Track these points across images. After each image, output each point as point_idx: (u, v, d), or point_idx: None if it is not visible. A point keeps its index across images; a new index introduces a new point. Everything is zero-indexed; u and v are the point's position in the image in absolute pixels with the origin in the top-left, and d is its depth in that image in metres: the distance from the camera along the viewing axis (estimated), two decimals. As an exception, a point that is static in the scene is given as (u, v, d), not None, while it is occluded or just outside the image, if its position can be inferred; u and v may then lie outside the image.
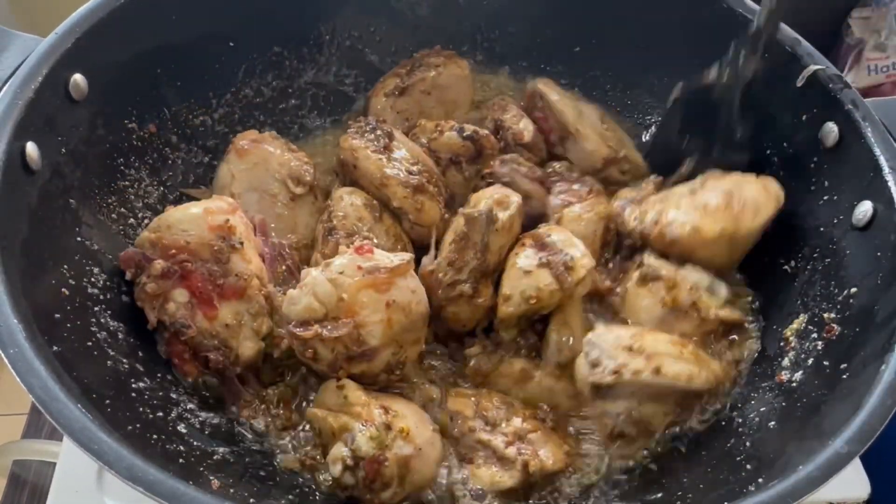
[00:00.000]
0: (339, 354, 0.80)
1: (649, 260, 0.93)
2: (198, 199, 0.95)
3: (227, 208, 0.88)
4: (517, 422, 0.85)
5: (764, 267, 0.96)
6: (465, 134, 1.01)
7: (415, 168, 0.97)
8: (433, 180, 0.98)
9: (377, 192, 0.97)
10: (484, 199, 0.93)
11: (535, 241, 0.91)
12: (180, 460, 0.72)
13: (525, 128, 1.06)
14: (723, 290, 0.92)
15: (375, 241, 0.92)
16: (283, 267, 0.93)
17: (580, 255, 0.89)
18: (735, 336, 0.92)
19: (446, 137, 1.02)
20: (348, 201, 0.95)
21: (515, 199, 0.93)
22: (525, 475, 0.81)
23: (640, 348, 0.84)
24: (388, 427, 0.78)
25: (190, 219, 0.85)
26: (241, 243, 0.86)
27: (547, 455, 0.83)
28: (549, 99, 1.07)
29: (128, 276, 0.83)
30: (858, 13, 1.41)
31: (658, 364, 0.82)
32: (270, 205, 0.97)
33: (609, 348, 0.84)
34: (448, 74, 1.09)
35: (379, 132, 0.98)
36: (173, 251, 0.83)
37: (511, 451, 0.82)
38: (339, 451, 0.77)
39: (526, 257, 0.90)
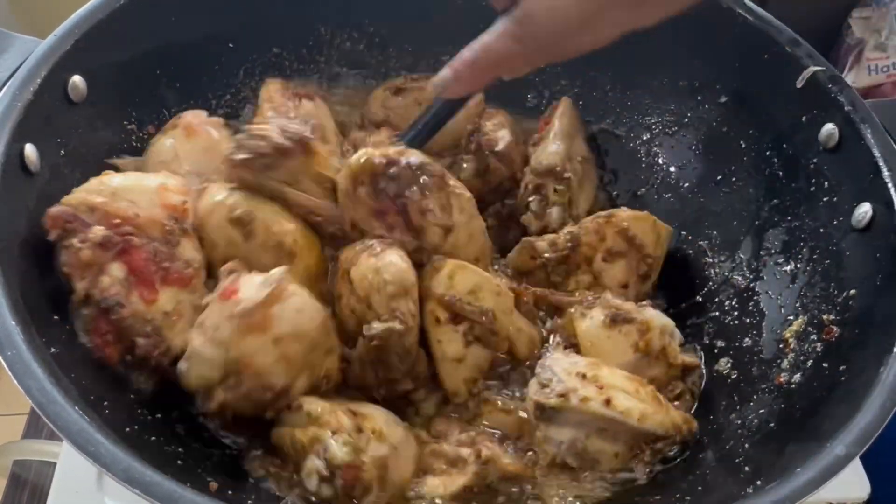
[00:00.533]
0: (256, 403, 0.76)
1: (614, 301, 0.89)
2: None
3: (183, 189, 0.81)
4: (472, 434, 0.82)
5: (763, 268, 0.96)
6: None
7: (301, 122, 0.92)
8: (322, 138, 0.95)
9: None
10: (375, 308, 0.79)
11: (446, 309, 0.82)
12: (178, 462, 0.72)
13: (501, 137, 1.04)
14: (678, 334, 0.91)
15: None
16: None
17: (494, 304, 0.83)
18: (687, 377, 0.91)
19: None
20: (213, 223, 0.82)
21: (399, 268, 0.80)
22: (480, 467, 0.77)
23: (595, 378, 0.80)
24: (360, 430, 0.75)
25: (141, 190, 0.78)
26: (195, 229, 0.80)
27: (505, 456, 0.79)
28: (558, 108, 1.08)
29: (51, 236, 0.75)
30: (858, 13, 1.41)
31: (610, 396, 0.79)
32: None
33: (561, 372, 0.81)
34: None
35: (300, 88, 0.99)
36: (117, 221, 0.76)
37: (464, 451, 0.79)
38: (313, 463, 0.73)
39: (450, 343, 0.83)
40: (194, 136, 0.91)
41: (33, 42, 0.83)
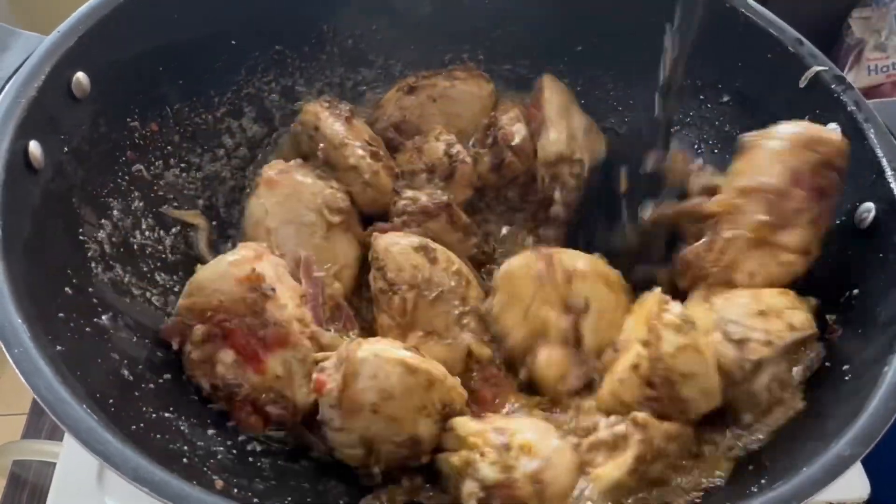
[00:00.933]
0: (405, 459, 0.79)
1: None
2: (184, 221, 0.97)
3: (252, 256, 0.85)
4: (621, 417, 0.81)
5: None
6: (450, 151, 1.01)
7: (371, 141, 1.01)
8: (387, 158, 1.02)
9: (334, 152, 0.98)
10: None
11: (647, 361, 0.80)
12: (184, 459, 0.72)
13: (517, 131, 1.05)
14: None
15: (437, 289, 0.88)
16: (330, 303, 0.91)
17: (695, 397, 0.80)
18: None
19: (432, 146, 1.02)
20: (398, 251, 0.89)
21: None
22: (642, 433, 0.76)
23: (769, 309, 0.82)
24: (508, 447, 0.74)
25: (218, 276, 0.83)
26: (273, 289, 0.83)
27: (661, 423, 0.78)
28: (543, 88, 1.09)
29: (174, 346, 0.82)
30: (858, 13, 1.41)
31: (790, 320, 0.82)
32: (308, 237, 0.94)
33: (743, 319, 0.82)
34: (462, 90, 1.09)
35: (342, 106, 1.02)
36: (210, 313, 0.81)
37: (620, 428, 0.78)
38: (469, 487, 0.74)
39: (627, 392, 0.81)
40: (275, 187, 0.96)
41: (37, 38, 0.83)
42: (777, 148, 0.86)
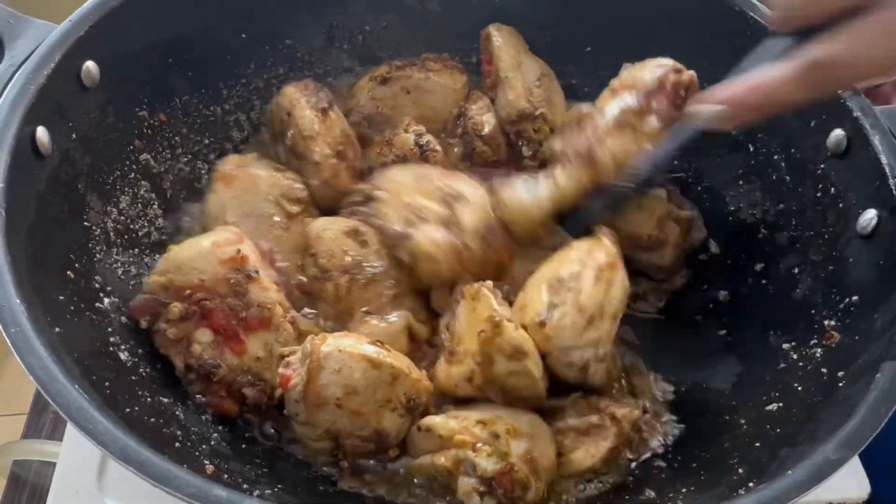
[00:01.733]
0: (373, 451, 0.80)
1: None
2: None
3: (235, 238, 0.85)
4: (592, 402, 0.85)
5: (767, 272, 0.96)
6: (420, 141, 1.01)
7: (341, 139, 1.00)
8: (353, 156, 1.01)
9: (300, 143, 0.98)
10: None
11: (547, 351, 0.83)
12: (176, 444, 0.73)
13: (487, 121, 1.06)
14: None
15: (370, 269, 0.89)
16: (296, 292, 0.91)
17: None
18: None
19: (401, 137, 1.02)
20: (329, 236, 0.90)
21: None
22: (619, 427, 0.81)
23: (594, 314, 0.83)
24: (496, 436, 0.76)
25: (199, 255, 0.82)
26: (257, 271, 0.83)
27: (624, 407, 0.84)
28: (492, 42, 1.09)
29: (143, 325, 0.82)
30: (858, 13, 1.40)
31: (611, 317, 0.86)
32: (269, 228, 0.95)
33: (577, 342, 0.83)
34: (436, 82, 1.08)
35: (322, 94, 1.01)
36: (188, 291, 0.81)
37: (593, 418, 0.82)
38: (467, 483, 0.75)
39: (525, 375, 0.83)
40: (231, 182, 0.96)
41: (48, 27, 0.85)
42: (652, 65, 0.95)
